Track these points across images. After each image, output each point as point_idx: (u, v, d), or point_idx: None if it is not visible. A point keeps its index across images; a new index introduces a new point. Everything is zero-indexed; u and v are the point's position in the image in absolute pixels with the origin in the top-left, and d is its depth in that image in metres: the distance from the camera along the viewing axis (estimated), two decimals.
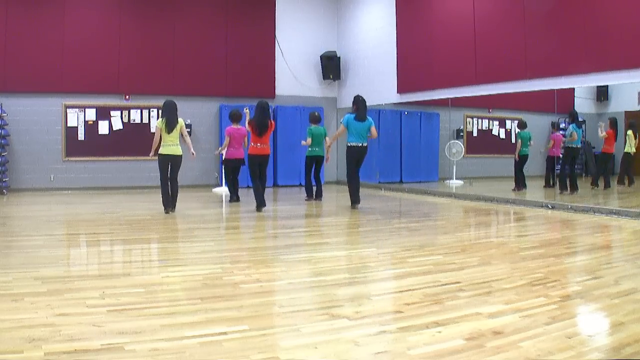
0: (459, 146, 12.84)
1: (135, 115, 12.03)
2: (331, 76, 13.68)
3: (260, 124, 8.11)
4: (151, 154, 7.96)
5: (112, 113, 11.86)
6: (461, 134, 13.65)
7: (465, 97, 10.82)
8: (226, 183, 9.95)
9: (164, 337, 2.86)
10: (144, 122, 12.11)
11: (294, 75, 13.56)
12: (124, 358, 2.59)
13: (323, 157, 9.64)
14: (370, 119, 8.48)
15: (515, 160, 11.22)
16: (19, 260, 4.77)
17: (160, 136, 7.67)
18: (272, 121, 8.43)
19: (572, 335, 2.97)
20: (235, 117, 9.13)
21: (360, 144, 8.37)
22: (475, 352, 2.69)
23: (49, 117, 11.36)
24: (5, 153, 10.64)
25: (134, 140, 11.96)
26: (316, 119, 9.63)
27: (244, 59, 12.84)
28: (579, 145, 10.57)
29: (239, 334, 2.93)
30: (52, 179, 11.42)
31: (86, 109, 11.66)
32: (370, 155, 12.64)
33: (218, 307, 3.44)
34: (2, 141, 10.52)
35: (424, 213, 8.66)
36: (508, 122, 14.16)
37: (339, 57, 13.80)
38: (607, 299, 3.63)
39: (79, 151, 11.61)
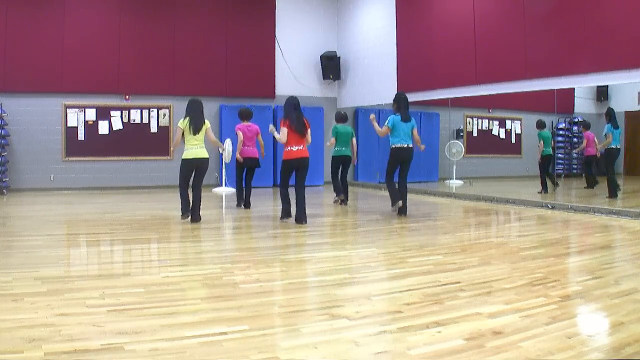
0: (459, 146, 12.85)
1: (135, 115, 12.03)
2: (331, 76, 13.68)
3: (299, 123, 7.03)
4: (171, 149, 7.53)
5: (112, 113, 11.86)
6: (461, 134, 13.65)
7: (465, 97, 10.81)
8: (235, 185, 9.19)
9: (164, 337, 2.86)
10: (144, 122, 12.10)
11: (294, 75, 13.56)
12: (124, 358, 2.59)
13: (350, 157, 9.26)
14: (413, 119, 7.93)
15: (539, 162, 10.79)
16: (19, 260, 4.78)
17: (183, 139, 7.06)
18: (306, 119, 7.33)
19: (572, 335, 2.97)
20: (245, 115, 8.67)
21: (406, 145, 7.75)
22: (475, 352, 2.69)
23: (49, 117, 11.36)
24: (5, 153, 10.63)
25: (134, 140, 11.97)
26: (343, 118, 9.31)
27: (244, 59, 12.84)
28: (617, 146, 9.92)
29: (239, 334, 2.93)
30: (52, 179, 11.42)
31: (86, 109, 11.66)
32: (370, 155, 12.70)
33: (218, 307, 3.44)
34: (2, 141, 10.52)
35: (424, 213, 8.65)
36: (508, 122, 14.18)
37: (339, 57, 13.79)
38: (607, 299, 3.63)
39: (79, 151, 11.61)
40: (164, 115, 12.23)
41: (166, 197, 10.47)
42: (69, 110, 11.53)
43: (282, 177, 7.26)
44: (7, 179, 10.70)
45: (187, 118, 7.01)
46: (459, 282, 4.05)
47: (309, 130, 7.20)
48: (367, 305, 3.53)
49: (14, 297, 3.54)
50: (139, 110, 12.07)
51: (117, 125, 11.88)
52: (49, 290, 3.74)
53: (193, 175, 7.15)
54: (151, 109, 12.16)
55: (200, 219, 7.10)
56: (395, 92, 8.26)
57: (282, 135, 7.04)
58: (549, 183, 10.72)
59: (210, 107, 12.64)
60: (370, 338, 2.92)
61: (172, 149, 7.48)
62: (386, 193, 11.77)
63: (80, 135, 11.63)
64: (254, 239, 6.43)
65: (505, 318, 3.22)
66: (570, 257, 5.28)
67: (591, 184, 11.23)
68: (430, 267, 4.60)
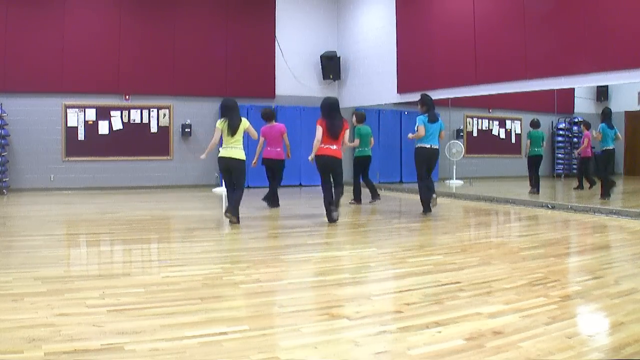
0: (459, 146, 12.84)
1: (135, 115, 12.03)
2: (331, 76, 13.68)
3: (333, 125, 6.98)
4: (203, 155, 7.34)
5: (112, 113, 11.86)
6: (461, 134, 13.65)
7: (465, 97, 10.81)
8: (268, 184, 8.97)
9: (164, 337, 2.85)
10: (144, 122, 12.11)
11: (294, 75, 13.56)
12: (124, 358, 2.59)
13: (371, 157, 9.28)
14: (440, 120, 7.93)
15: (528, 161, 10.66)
16: (19, 260, 4.77)
17: (221, 137, 6.91)
18: (345, 120, 7.23)
19: (572, 335, 2.97)
20: (268, 116, 8.54)
21: (429, 146, 7.75)
22: (475, 352, 2.69)
23: (49, 117, 11.37)
24: (5, 153, 10.64)
25: (134, 140, 11.97)
26: (362, 118, 9.27)
27: (244, 59, 12.84)
28: (612, 147, 9.37)
29: (239, 334, 2.93)
30: (52, 179, 11.42)
31: (86, 109, 11.66)
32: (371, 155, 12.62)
33: (218, 307, 3.43)
34: (2, 141, 10.52)
35: (424, 213, 8.64)
36: (508, 122, 14.18)
37: (339, 57, 13.79)
38: (607, 299, 3.63)
39: (79, 151, 11.61)
40: (164, 115, 12.24)
41: (166, 197, 10.48)
42: (69, 110, 11.53)
43: (320, 175, 7.22)
44: (7, 179, 10.70)
45: (226, 120, 6.85)
46: (459, 282, 4.05)
47: (345, 132, 7.14)
48: (367, 305, 3.53)
49: (14, 297, 3.53)
50: (139, 110, 12.07)
51: (117, 125, 11.88)
52: (49, 290, 3.74)
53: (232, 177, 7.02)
54: (151, 109, 12.17)
55: (238, 220, 6.91)
56: (421, 94, 8.07)
57: (317, 134, 7.02)
58: (534, 183, 10.60)
59: (210, 107, 12.66)
60: (370, 338, 2.92)
61: (206, 152, 7.32)
62: (386, 193, 11.78)
63: (80, 135, 11.63)
64: (254, 239, 6.42)
65: (505, 318, 3.22)
66: (570, 257, 5.28)
67: (582, 185, 11.11)
68: (430, 267, 4.60)
